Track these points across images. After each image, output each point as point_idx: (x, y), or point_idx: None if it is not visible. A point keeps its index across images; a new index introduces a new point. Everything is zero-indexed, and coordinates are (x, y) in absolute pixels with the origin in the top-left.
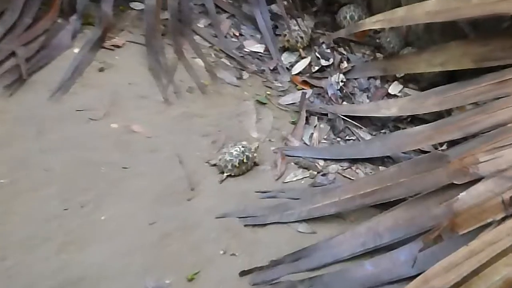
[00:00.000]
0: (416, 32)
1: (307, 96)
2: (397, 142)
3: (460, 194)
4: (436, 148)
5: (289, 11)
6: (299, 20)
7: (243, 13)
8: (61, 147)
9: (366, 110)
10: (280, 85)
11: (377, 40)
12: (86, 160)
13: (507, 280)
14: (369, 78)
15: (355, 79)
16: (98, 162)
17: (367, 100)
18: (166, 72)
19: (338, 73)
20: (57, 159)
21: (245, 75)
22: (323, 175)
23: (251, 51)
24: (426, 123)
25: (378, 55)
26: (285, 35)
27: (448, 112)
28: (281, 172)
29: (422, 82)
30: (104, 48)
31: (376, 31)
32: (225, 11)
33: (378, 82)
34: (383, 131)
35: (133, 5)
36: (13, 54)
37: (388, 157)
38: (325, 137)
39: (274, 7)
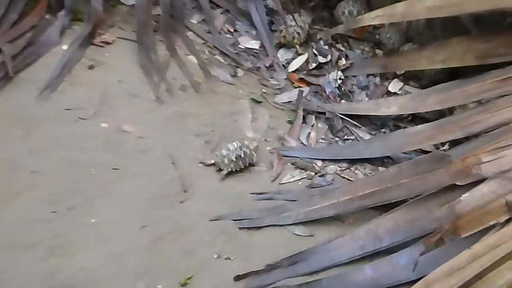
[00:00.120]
0: (417, 28)
1: (304, 94)
2: (397, 142)
3: (463, 195)
4: (438, 148)
5: (285, 6)
6: (296, 15)
7: (237, 8)
8: (49, 147)
9: (365, 108)
10: (276, 83)
11: (377, 36)
12: (75, 161)
13: (511, 284)
14: (368, 75)
15: (354, 76)
16: (87, 163)
17: (366, 98)
18: (158, 69)
19: (336, 71)
20: (45, 160)
21: (240, 72)
22: (321, 176)
23: (246, 47)
24: (427, 122)
25: (378, 51)
26: (281, 31)
27: (450, 111)
28: (277, 173)
29: (423, 80)
30: (94, 45)
31: (375, 27)
32: (219, 7)
33: (377, 79)
34: (382, 130)
35: (123, 0)
36: None
37: (388, 157)
38: (323, 136)
39: (269, 2)
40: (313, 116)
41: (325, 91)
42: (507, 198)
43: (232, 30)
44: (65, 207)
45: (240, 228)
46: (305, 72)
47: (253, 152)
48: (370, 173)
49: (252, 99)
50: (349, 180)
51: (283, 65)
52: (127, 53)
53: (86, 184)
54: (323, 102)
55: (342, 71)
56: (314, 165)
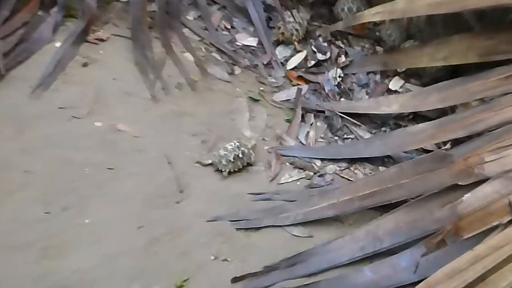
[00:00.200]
0: (417, 25)
1: (302, 93)
2: (398, 141)
3: (465, 195)
4: (439, 147)
5: (283, 2)
6: (294, 11)
7: (234, 5)
8: (42, 146)
9: (365, 107)
10: (274, 80)
11: (377, 33)
12: (68, 161)
13: None
14: (368, 73)
15: (354, 74)
16: (81, 163)
17: (366, 97)
18: (153, 67)
19: (335, 68)
20: (37, 160)
21: (237, 70)
22: (320, 176)
23: (243, 44)
24: (429, 121)
25: (378, 48)
26: (280, 27)
27: (452, 109)
28: (275, 173)
29: (424, 77)
30: (88, 42)
31: (375, 24)
32: (216, 3)
33: (378, 77)
34: (383, 129)
35: None
36: None
37: (389, 156)
38: (322, 135)
39: None
40: (312, 115)
41: (324, 89)
42: (510, 199)
43: (229, 27)
44: (59, 208)
45: (237, 229)
46: (303, 69)
47: (251, 151)
48: (370, 173)
49: (250, 97)
50: (348, 180)
51: (281, 63)
52: (121, 50)
53: (80, 184)
54: (322, 101)
55: (342, 68)
56: (313, 164)
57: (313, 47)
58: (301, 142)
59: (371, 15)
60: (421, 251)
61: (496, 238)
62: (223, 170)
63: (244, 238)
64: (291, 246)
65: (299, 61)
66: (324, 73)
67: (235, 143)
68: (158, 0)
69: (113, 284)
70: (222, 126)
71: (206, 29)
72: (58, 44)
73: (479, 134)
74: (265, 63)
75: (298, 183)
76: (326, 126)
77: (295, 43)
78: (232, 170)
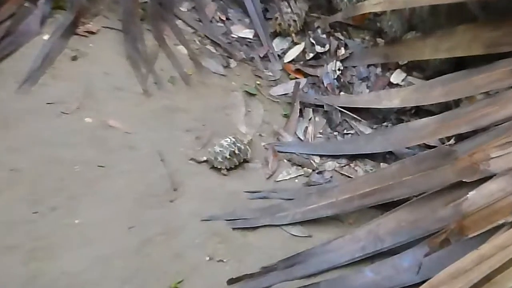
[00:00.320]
0: (420, 15)
1: (300, 86)
2: (400, 137)
3: (469, 193)
4: (443, 143)
5: None
6: (292, 2)
7: None
8: (29, 144)
9: (366, 101)
10: (271, 74)
11: (378, 24)
12: (57, 158)
13: None
14: (369, 66)
15: (354, 67)
16: (71, 161)
17: (367, 90)
18: (145, 61)
19: (334, 61)
20: (25, 158)
21: (233, 63)
22: (319, 173)
23: (239, 37)
24: (432, 115)
25: (379, 40)
26: (277, 18)
27: (456, 103)
28: (272, 170)
29: (427, 70)
30: (77, 34)
31: (376, 14)
32: None
33: (378, 70)
34: (384, 124)
35: None
36: None
37: (390, 153)
38: (320, 131)
39: None
40: (311, 110)
41: (323, 83)
42: None
43: (224, 19)
44: (47, 207)
45: (233, 229)
46: (301, 62)
47: (247, 147)
48: (371, 170)
49: (246, 91)
50: (348, 177)
51: (278, 55)
52: (112, 43)
53: (70, 183)
54: (321, 95)
55: (341, 61)
56: (311, 161)
57: (311, 39)
58: (299, 138)
59: (372, 5)
60: (424, 251)
61: (501, 237)
62: (219, 167)
63: (240, 238)
64: (289, 246)
65: (297, 53)
66: (323, 66)
67: (230, 139)
68: None
69: (104, 286)
70: (217, 122)
71: (200, 20)
72: (46, 37)
73: (484, 129)
74: (261, 56)
75: (296, 180)
76: (325, 121)
77: (293, 35)
78: (228, 167)
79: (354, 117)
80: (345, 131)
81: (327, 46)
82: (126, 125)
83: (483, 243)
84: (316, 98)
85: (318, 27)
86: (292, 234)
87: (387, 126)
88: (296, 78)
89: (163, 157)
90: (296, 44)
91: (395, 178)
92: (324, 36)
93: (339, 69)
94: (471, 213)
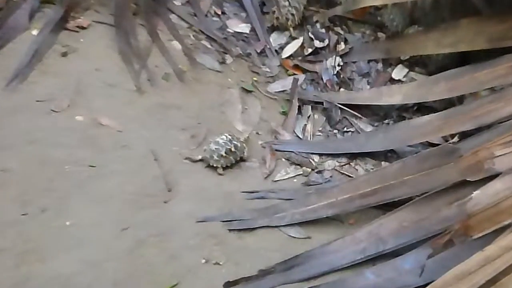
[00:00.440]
0: (422, 9)
1: (299, 83)
2: (401, 134)
3: (474, 192)
4: (447, 141)
5: None
6: None
7: None
8: (18, 143)
9: (367, 97)
10: (268, 70)
11: (379, 18)
12: (47, 158)
13: None
14: (369, 61)
15: (354, 62)
16: (61, 160)
17: (368, 87)
18: (138, 56)
19: (334, 56)
20: (14, 157)
21: (229, 59)
22: (318, 172)
23: (235, 31)
24: (435, 112)
25: (380, 35)
26: (274, 12)
27: (460, 100)
28: (270, 170)
29: (430, 66)
30: (67, 29)
31: (377, 8)
32: None
33: (380, 65)
34: (385, 121)
35: None
36: None
37: (392, 151)
38: (320, 129)
39: None
40: (309, 107)
41: (322, 79)
42: None
43: (219, 13)
44: (37, 209)
45: (230, 230)
46: (300, 58)
47: (244, 145)
48: (372, 168)
49: (242, 88)
50: (349, 176)
51: (276, 51)
52: (104, 38)
53: (60, 183)
54: (320, 91)
55: (341, 56)
56: (310, 160)
57: (310, 34)
58: (297, 136)
59: None
60: (427, 252)
61: (508, 238)
62: (215, 165)
63: (237, 239)
64: (288, 248)
65: (295, 49)
66: (322, 61)
67: (226, 136)
68: None
69: None
70: (212, 120)
71: (195, 15)
72: (35, 32)
73: (489, 126)
74: (258, 51)
75: (295, 180)
76: (324, 118)
77: (291, 29)
78: (224, 166)
79: (355, 114)
80: (345, 129)
81: (326, 41)
82: (118, 123)
83: (489, 244)
84: (315, 95)
85: (317, 21)
86: (290, 236)
87: (389, 123)
88: (294, 74)
89: (157, 156)
90: (294, 39)
91: (396, 177)
92: (323, 30)
93: (338, 65)
94: (476, 213)
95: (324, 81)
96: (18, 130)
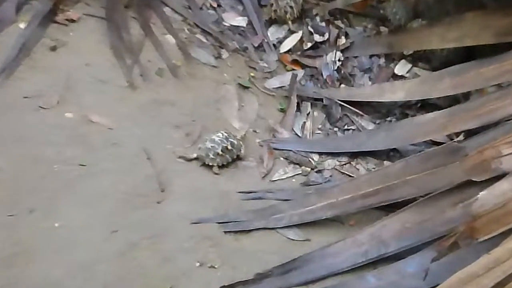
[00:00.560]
0: (426, 2)
1: (298, 78)
2: (404, 133)
3: (480, 193)
4: (451, 139)
5: None
6: None
7: None
8: (5, 141)
9: (368, 94)
10: (266, 65)
11: (381, 11)
12: (35, 157)
13: None
14: (371, 56)
15: (355, 57)
16: (50, 159)
17: (369, 83)
18: (130, 51)
19: (334, 51)
20: (0, 156)
21: (225, 54)
22: (318, 172)
23: (231, 25)
24: (439, 110)
25: (382, 29)
26: (272, 5)
27: (465, 96)
28: (268, 169)
29: (434, 61)
30: (56, 22)
31: (379, 1)
32: None
33: (382, 61)
34: (388, 119)
35: None
36: None
37: (394, 150)
38: (319, 127)
39: None
40: (309, 104)
41: (322, 75)
42: None
43: (215, 5)
44: (25, 209)
45: (225, 232)
46: (299, 53)
47: (241, 142)
48: (373, 168)
49: (239, 84)
50: (349, 176)
51: (273, 45)
52: (94, 32)
53: (49, 183)
54: (320, 87)
55: (342, 51)
56: (309, 159)
57: (309, 28)
58: (296, 134)
59: None
60: (431, 255)
61: None
62: (211, 164)
63: (233, 242)
64: (286, 251)
65: (294, 43)
66: (322, 56)
67: (223, 134)
68: None
69: None
70: (207, 117)
71: (189, 7)
72: (22, 25)
73: (495, 124)
74: (255, 45)
75: (294, 180)
76: (324, 116)
77: (289, 22)
78: (220, 164)
79: (356, 112)
80: (345, 127)
81: (327, 35)
82: (109, 121)
83: (496, 246)
84: (314, 91)
85: (317, 14)
86: (288, 238)
87: (391, 121)
88: (293, 69)
89: (150, 155)
90: (293, 32)
91: (399, 177)
92: (323, 24)
93: (339, 60)
94: (482, 214)
95: (324, 77)
96: (4, 128)
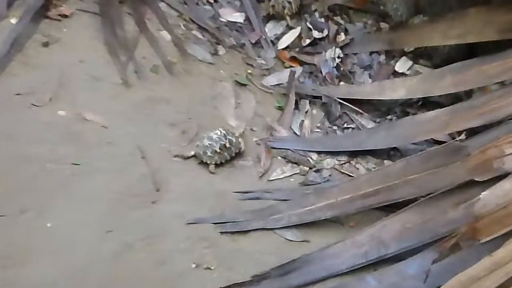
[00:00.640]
0: None
1: (296, 76)
2: (405, 131)
3: (482, 193)
4: (453, 138)
5: None
6: None
7: None
8: None
9: (368, 92)
10: (263, 62)
11: (381, 7)
12: (28, 156)
13: None
14: (371, 53)
15: (355, 54)
16: (43, 158)
17: (370, 80)
18: (125, 47)
19: (334, 48)
20: None
21: (221, 50)
22: (317, 171)
23: (228, 21)
24: (441, 108)
25: (383, 25)
26: (270, 0)
27: (468, 94)
28: (265, 168)
29: (435, 58)
30: (49, 18)
31: None
32: None
33: (382, 58)
34: (388, 117)
35: None
36: None
37: (395, 149)
38: (318, 125)
39: None
40: (307, 101)
41: (321, 72)
42: None
43: (211, 1)
44: (17, 209)
45: (222, 233)
46: (297, 49)
47: (239, 140)
48: (373, 167)
49: (236, 81)
50: (349, 176)
51: (271, 41)
52: (88, 28)
53: (41, 183)
54: (319, 85)
55: (341, 48)
56: (308, 158)
57: (308, 23)
58: (294, 132)
59: None
60: (432, 256)
61: None
62: (208, 162)
63: (229, 242)
64: (284, 252)
65: (292, 39)
66: (320, 53)
67: (221, 131)
68: None
69: None
70: (204, 115)
71: (185, 3)
72: (13, 21)
73: (498, 123)
74: (253, 42)
75: (292, 179)
76: (323, 114)
77: (288, 18)
78: (219, 162)
79: (355, 110)
80: (345, 125)
81: (326, 31)
82: (103, 119)
83: (498, 248)
84: (313, 89)
85: (316, 9)
86: (287, 239)
87: (392, 119)
88: (291, 66)
89: (145, 153)
90: (291, 28)
91: (400, 176)
92: (322, 20)
93: (338, 57)
94: (484, 215)
95: (323, 74)
96: None
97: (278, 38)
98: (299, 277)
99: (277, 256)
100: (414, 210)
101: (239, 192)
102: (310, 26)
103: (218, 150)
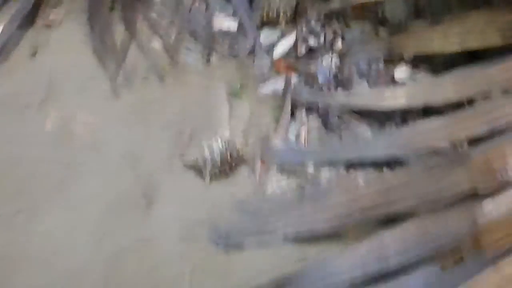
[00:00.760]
0: (428, 0)
1: (292, 84)
2: (405, 140)
3: (485, 203)
4: (456, 147)
5: None
6: None
7: None
8: None
9: (367, 100)
10: (258, 70)
11: (379, 13)
12: (17, 159)
13: None
14: (369, 60)
15: (352, 61)
16: (32, 162)
17: (368, 88)
18: (115, 55)
19: (330, 55)
20: None
21: (214, 58)
22: (314, 182)
23: (221, 29)
24: (442, 116)
25: (381, 31)
26: (264, 6)
27: (470, 102)
28: (260, 179)
29: (436, 64)
30: (37, 25)
31: (378, 1)
32: None
33: (381, 65)
34: (388, 125)
35: None
36: None
37: (395, 158)
38: (315, 134)
39: None
40: (304, 110)
41: (317, 80)
42: None
43: (204, 8)
44: (5, 214)
45: (215, 245)
46: (293, 57)
47: (238, 151)
48: (372, 177)
49: (229, 90)
50: (347, 186)
51: (266, 49)
52: (77, 35)
53: (31, 187)
54: (316, 93)
55: (338, 55)
56: (305, 169)
57: (304, 31)
58: (291, 142)
59: None
60: (434, 270)
61: None
62: (204, 174)
63: (222, 256)
64: (279, 266)
65: (287, 47)
66: (317, 60)
67: (221, 142)
68: None
69: None
70: (196, 124)
71: (177, 10)
72: (0, 28)
73: (502, 131)
74: (247, 50)
75: (288, 191)
76: (320, 123)
77: (283, 25)
78: (217, 174)
79: (353, 118)
80: (343, 134)
81: (322, 38)
82: (95, 122)
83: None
84: (309, 97)
85: (312, 17)
86: (282, 251)
87: (391, 128)
88: (287, 74)
89: (136, 159)
90: (286, 36)
91: (400, 187)
92: (319, 27)
93: (335, 64)
94: (490, 227)
95: (320, 82)
96: None
97: (273, 45)
98: None
99: (271, 269)
100: (415, 222)
101: (233, 203)
102: (306, 34)
103: (219, 163)
